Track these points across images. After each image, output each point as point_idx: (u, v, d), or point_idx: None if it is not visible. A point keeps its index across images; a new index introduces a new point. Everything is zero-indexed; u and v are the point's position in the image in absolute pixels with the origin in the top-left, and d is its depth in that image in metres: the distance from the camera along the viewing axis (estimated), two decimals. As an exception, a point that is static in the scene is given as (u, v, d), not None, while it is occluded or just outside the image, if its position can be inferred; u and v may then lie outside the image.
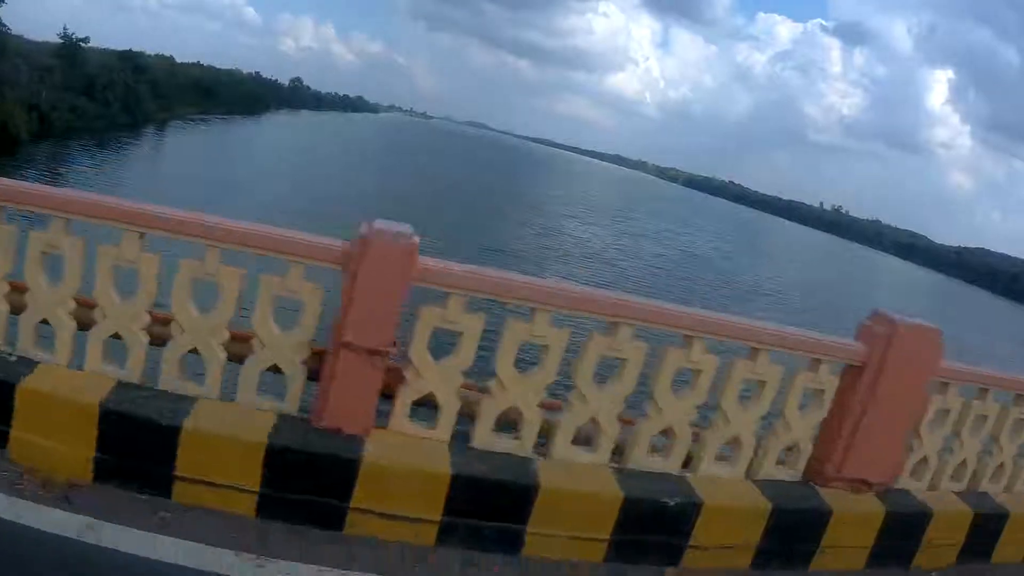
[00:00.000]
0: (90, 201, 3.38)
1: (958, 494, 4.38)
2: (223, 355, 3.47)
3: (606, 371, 3.58)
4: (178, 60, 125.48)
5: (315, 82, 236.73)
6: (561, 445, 3.62)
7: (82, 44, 63.39)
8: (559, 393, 3.77)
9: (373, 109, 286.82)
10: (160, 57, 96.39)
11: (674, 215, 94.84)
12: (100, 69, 71.41)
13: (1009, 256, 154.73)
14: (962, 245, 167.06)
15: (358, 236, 3.26)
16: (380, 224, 3.29)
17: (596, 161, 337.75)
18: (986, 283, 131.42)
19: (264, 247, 3.30)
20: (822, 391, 3.90)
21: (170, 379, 3.44)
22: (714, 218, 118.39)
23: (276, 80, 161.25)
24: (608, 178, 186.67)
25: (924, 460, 4.29)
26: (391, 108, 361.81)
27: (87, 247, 3.39)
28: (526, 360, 3.56)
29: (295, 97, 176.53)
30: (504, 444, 3.57)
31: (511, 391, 3.53)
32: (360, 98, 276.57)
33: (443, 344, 3.49)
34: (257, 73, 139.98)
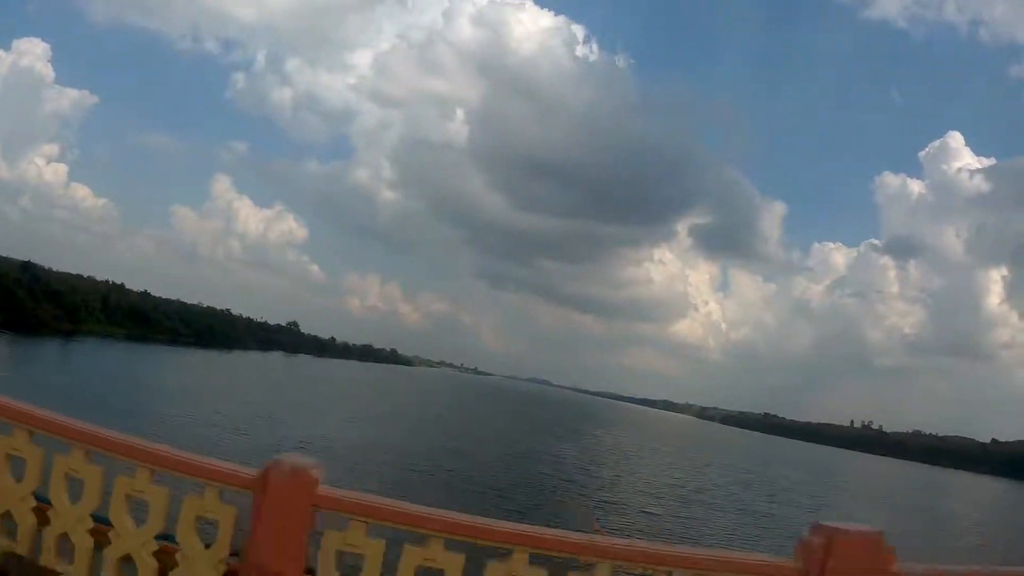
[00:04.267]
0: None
1: None
2: (155, 564, 3.85)
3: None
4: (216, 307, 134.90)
5: (379, 340, 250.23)
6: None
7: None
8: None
9: (407, 362, 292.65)
10: (72, 275, 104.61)
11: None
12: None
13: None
14: (995, 438, 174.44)
15: (264, 465, 3.66)
16: (284, 456, 3.70)
17: (642, 408, 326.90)
18: (999, 469, 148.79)
19: (185, 471, 3.83)
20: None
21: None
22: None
23: (264, 320, 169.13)
24: (637, 422, 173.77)
25: None
26: (441, 364, 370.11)
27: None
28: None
29: (292, 340, 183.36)
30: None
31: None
32: (394, 351, 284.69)
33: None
34: (227, 310, 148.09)
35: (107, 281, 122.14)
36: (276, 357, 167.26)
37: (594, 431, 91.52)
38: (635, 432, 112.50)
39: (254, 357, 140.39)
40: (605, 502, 34.52)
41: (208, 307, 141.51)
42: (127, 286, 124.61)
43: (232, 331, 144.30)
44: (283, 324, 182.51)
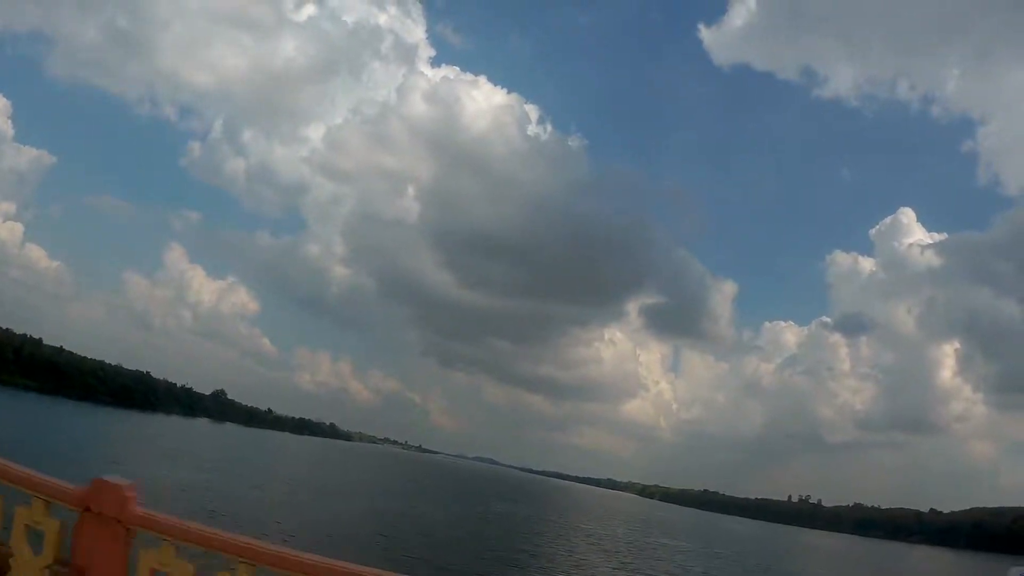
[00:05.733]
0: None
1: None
2: None
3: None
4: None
5: (328, 415, 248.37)
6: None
7: None
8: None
9: (346, 437, 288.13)
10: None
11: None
12: None
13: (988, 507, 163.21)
14: (934, 508, 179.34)
15: (89, 483, 4.10)
16: (106, 476, 4.16)
17: (585, 486, 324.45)
18: (933, 538, 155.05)
19: (17, 483, 4.35)
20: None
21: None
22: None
23: (189, 387, 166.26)
24: (564, 498, 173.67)
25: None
26: (384, 440, 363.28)
27: None
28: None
29: (221, 407, 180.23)
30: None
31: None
32: (332, 425, 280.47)
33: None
34: (148, 373, 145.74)
35: (24, 334, 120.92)
36: (199, 423, 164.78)
37: (495, 504, 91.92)
38: (549, 507, 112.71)
39: (172, 421, 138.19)
40: (421, 558, 36.04)
41: (135, 370, 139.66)
42: (45, 341, 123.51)
43: (152, 394, 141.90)
44: (211, 392, 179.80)
